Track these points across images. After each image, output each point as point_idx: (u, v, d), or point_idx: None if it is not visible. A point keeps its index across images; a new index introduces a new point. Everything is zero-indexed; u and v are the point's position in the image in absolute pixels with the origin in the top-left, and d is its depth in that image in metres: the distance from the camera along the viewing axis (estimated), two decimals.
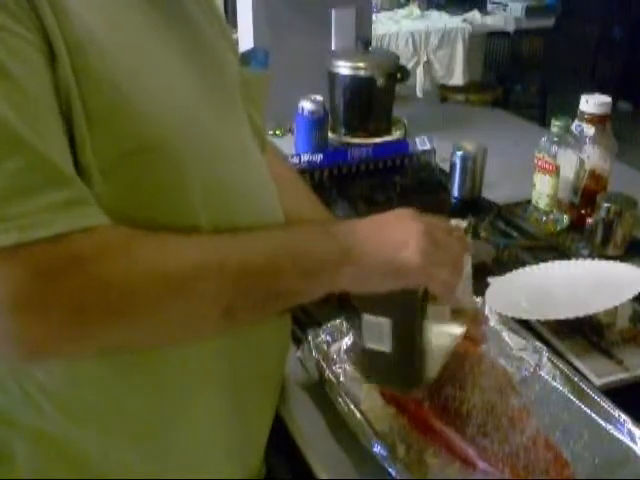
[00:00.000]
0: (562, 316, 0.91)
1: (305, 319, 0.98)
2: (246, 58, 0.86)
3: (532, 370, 0.87)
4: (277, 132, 1.74)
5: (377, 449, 0.73)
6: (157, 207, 0.60)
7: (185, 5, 0.71)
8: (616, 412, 0.78)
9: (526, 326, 0.95)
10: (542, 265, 1.10)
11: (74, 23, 0.54)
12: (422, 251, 0.65)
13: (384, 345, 0.69)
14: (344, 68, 1.62)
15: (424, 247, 0.65)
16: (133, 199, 0.59)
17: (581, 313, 0.90)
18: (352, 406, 0.80)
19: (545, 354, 0.88)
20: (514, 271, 1.09)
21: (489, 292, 1.02)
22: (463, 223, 0.79)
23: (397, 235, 0.67)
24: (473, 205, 1.37)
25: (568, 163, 1.26)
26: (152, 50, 0.63)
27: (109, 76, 0.56)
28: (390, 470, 0.71)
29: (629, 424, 0.76)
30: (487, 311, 0.97)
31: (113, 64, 0.56)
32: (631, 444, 0.75)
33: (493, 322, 0.96)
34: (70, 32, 0.53)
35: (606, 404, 0.79)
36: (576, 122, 1.26)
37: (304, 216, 0.88)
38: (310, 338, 0.91)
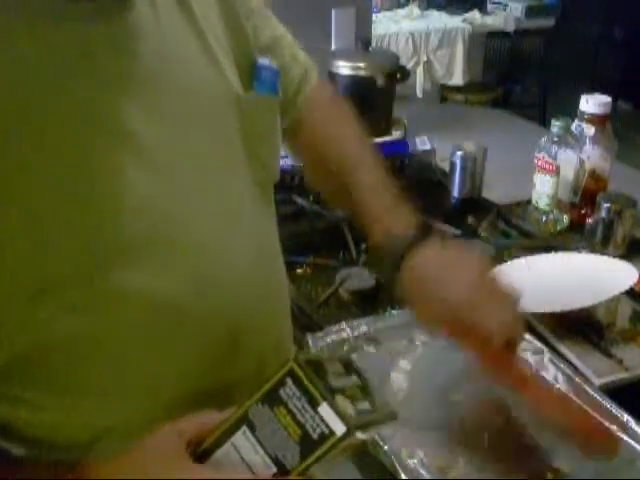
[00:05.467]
0: (555, 309, 0.93)
1: (306, 322, 0.97)
2: (247, 78, 0.65)
3: (534, 371, 0.87)
4: None
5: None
6: None
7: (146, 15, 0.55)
8: (619, 412, 0.77)
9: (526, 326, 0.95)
10: (530, 258, 1.10)
11: None
12: None
13: None
14: (344, 68, 1.62)
15: None
16: None
17: (574, 306, 0.92)
18: None
19: (547, 355, 0.88)
20: (504, 264, 1.10)
21: None
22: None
23: None
24: (473, 205, 1.37)
25: (568, 163, 1.26)
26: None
27: None
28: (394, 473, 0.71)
29: (632, 424, 0.76)
30: None
31: None
32: (635, 444, 0.75)
33: None
34: None
35: (609, 405, 0.79)
36: (576, 122, 1.26)
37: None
38: (310, 342, 0.91)
